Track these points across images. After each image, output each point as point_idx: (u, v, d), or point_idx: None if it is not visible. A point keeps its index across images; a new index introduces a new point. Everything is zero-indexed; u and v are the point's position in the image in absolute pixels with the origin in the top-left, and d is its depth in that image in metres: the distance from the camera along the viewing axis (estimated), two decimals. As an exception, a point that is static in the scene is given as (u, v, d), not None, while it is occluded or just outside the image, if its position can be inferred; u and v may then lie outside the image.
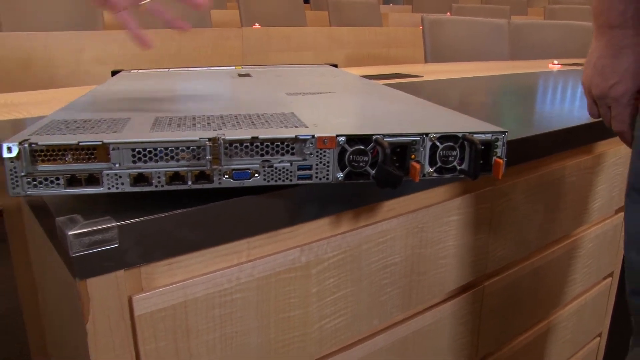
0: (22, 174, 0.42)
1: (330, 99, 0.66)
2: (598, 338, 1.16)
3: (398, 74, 1.68)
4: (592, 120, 0.82)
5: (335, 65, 1.19)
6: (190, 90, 0.73)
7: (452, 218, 0.69)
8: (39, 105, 0.95)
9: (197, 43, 2.92)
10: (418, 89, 1.23)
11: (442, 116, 0.56)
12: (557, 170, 0.84)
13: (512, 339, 0.91)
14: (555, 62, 2.04)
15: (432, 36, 2.52)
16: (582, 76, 0.71)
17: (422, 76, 1.60)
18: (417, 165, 0.47)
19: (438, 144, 0.48)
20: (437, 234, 0.68)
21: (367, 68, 1.88)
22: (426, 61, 2.68)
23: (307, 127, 0.48)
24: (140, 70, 1.08)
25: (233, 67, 1.13)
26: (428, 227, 0.66)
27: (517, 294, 0.87)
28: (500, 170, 0.49)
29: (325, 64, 1.21)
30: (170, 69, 1.10)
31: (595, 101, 0.70)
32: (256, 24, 3.34)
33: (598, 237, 1.01)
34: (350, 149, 0.47)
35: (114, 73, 1.09)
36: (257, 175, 0.46)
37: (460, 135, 0.49)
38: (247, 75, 0.96)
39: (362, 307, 0.63)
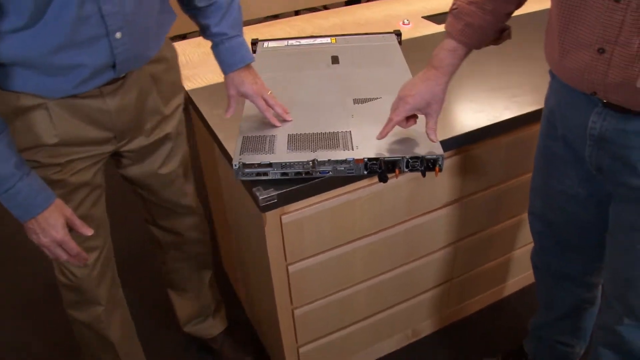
0: (239, 173, 1.09)
1: (376, 112, 1.25)
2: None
3: None
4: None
5: (399, 34, 1.70)
6: (296, 98, 1.32)
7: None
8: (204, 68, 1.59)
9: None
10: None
11: (418, 140, 1.14)
12: (522, 136, 1.39)
13: (489, 227, 1.54)
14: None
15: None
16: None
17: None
18: (398, 171, 1.09)
19: (410, 160, 1.09)
20: (430, 181, 1.30)
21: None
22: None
23: (353, 149, 1.11)
24: (269, 45, 1.67)
25: (329, 40, 1.69)
26: (423, 180, 1.28)
27: (491, 204, 1.48)
28: (437, 173, 1.10)
29: (393, 31, 1.72)
30: (288, 42, 1.68)
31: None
32: None
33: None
34: (369, 162, 1.09)
35: (253, 42, 1.70)
36: (330, 172, 1.10)
37: (420, 156, 1.09)
38: (337, 61, 1.53)
39: (383, 215, 1.29)
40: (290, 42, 1.68)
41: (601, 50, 0.87)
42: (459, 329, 1.75)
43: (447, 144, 1.20)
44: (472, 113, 1.32)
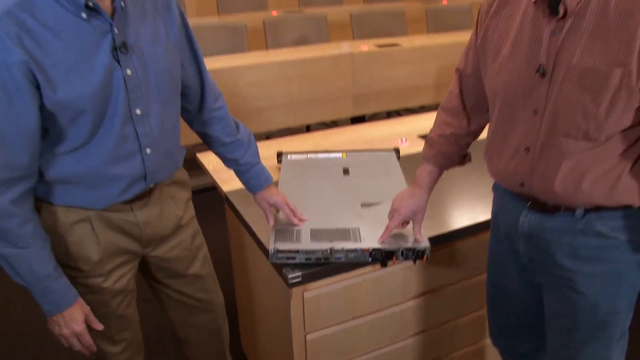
0: (274, 257, 1.42)
1: (379, 214, 1.59)
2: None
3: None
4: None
5: (398, 151, 2.09)
6: (317, 201, 1.68)
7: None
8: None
9: (319, 64, 3.86)
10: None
11: (410, 235, 1.48)
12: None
13: (466, 314, 1.84)
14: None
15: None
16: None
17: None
18: (395, 259, 1.43)
19: (404, 250, 1.43)
20: (419, 268, 1.62)
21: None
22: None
23: (361, 241, 1.45)
24: (292, 157, 2.05)
25: (340, 155, 2.08)
26: (414, 267, 1.60)
27: (467, 292, 1.79)
28: (425, 261, 1.43)
29: (393, 149, 2.11)
30: (308, 155, 2.06)
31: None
32: (364, 45, 4.19)
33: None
34: (373, 251, 1.42)
35: (278, 154, 2.08)
36: (343, 259, 1.43)
37: (412, 247, 1.43)
38: (347, 172, 1.90)
39: (382, 296, 1.59)
40: (309, 155, 2.07)
41: (527, 149, 1.22)
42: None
43: (432, 240, 1.54)
44: (454, 216, 1.67)
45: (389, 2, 6.39)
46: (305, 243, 1.45)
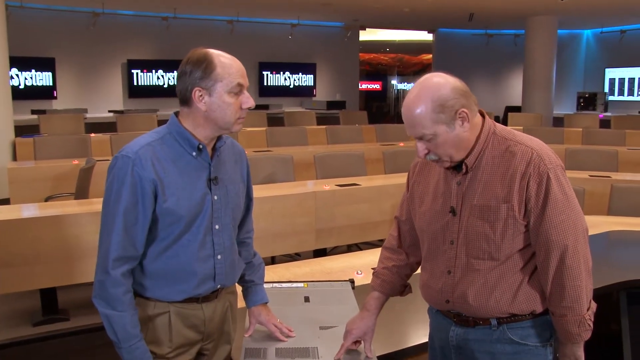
0: (244, 372, 1.66)
1: (335, 335, 1.85)
2: None
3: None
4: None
5: (353, 282, 2.38)
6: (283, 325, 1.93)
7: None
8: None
9: (285, 201, 4.24)
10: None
11: (362, 352, 1.74)
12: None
13: None
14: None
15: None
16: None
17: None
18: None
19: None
20: (371, 385, 1.85)
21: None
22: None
23: (318, 358, 1.69)
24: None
25: (302, 285, 2.35)
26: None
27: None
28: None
29: (349, 280, 2.40)
30: (273, 285, 2.33)
31: None
32: (326, 185, 4.62)
33: None
34: (325, 370, 1.68)
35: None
36: (303, 373, 1.67)
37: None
38: (308, 300, 2.17)
39: None
40: (274, 285, 2.34)
41: (449, 272, 1.55)
42: None
43: (381, 357, 1.78)
44: (401, 336, 1.94)
45: (350, 144, 7.03)
46: (271, 359, 1.69)
